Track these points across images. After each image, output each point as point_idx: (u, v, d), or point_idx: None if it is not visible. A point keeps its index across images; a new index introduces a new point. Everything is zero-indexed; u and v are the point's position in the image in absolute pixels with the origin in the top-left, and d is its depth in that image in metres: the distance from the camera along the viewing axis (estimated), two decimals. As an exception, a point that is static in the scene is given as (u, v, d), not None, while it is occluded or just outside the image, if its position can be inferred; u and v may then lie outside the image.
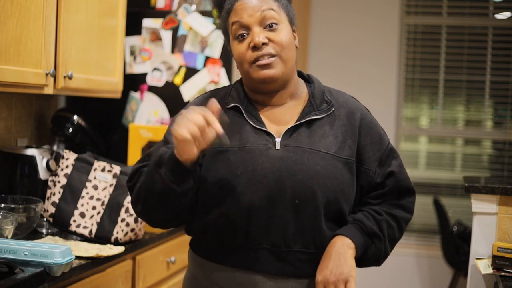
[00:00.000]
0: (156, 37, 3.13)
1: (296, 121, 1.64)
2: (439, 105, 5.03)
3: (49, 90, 2.40)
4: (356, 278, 1.56)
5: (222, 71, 3.07)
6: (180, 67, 3.10)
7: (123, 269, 2.37)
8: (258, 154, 1.58)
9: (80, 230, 2.35)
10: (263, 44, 1.58)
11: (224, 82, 3.06)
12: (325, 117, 1.66)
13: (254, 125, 1.63)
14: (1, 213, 2.23)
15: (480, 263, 2.59)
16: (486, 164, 5.08)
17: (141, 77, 3.16)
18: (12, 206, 2.29)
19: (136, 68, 3.15)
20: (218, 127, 1.44)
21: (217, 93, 1.72)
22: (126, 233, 2.36)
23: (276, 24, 1.61)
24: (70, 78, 2.48)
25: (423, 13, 5.01)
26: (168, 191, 1.53)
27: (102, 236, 2.35)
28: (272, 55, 1.59)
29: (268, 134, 1.62)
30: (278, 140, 1.61)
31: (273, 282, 1.58)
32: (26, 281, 1.75)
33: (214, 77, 3.05)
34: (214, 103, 1.47)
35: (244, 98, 1.68)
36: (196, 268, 1.69)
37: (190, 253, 1.72)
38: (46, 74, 2.34)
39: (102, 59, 2.80)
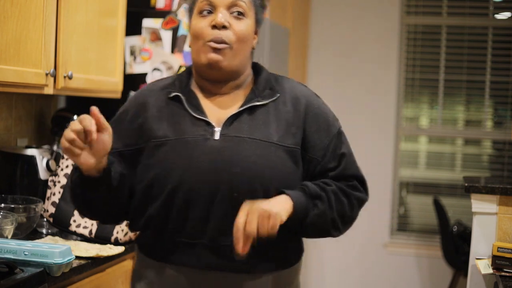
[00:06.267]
0: (156, 37, 3.13)
1: (238, 109, 1.61)
2: (439, 105, 5.03)
3: (49, 90, 2.40)
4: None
5: (222, 71, 3.07)
6: (180, 67, 3.10)
7: (123, 269, 2.37)
8: (195, 146, 1.56)
9: (80, 230, 2.35)
10: (223, 27, 1.58)
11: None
12: (269, 104, 1.62)
13: (194, 115, 1.60)
14: (1, 213, 2.23)
15: (480, 263, 2.59)
16: (486, 164, 5.08)
17: (141, 77, 3.16)
18: (12, 206, 2.29)
19: (136, 68, 3.15)
20: (89, 125, 1.43)
21: (161, 82, 1.71)
22: (126, 233, 2.36)
23: (243, 15, 1.61)
24: (70, 78, 2.48)
25: (423, 13, 5.01)
26: (84, 195, 1.59)
27: (102, 236, 2.35)
28: (226, 43, 1.59)
29: (208, 124, 1.59)
30: (217, 129, 1.58)
31: (209, 277, 1.55)
32: (26, 281, 1.75)
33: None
34: (93, 109, 1.47)
35: (186, 87, 1.65)
36: (140, 266, 1.68)
37: (136, 250, 1.72)
38: (46, 74, 2.34)
39: (102, 59, 2.80)
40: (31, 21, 2.24)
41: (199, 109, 1.61)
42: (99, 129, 1.46)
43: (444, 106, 5.03)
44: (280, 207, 1.49)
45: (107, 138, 1.48)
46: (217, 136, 1.57)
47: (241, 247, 1.44)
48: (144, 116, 1.63)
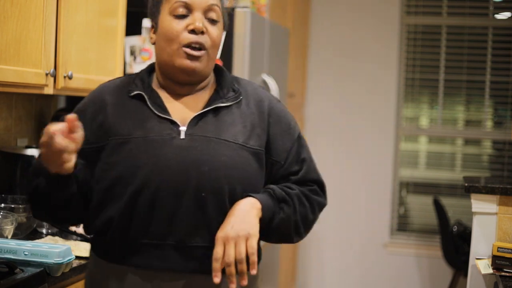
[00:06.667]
0: (156, 37, 3.13)
1: (202, 109, 1.59)
2: (439, 105, 5.03)
3: (49, 90, 2.40)
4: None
5: (222, 71, 3.06)
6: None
7: (123, 269, 2.37)
8: (162, 144, 1.52)
9: (80, 230, 2.35)
10: (201, 32, 1.56)
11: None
12: (233, 106, 1.61)
13: (158, 114, 1.56)
14: (1, 213, 2.23)
15: (480, 263, 2.59)
16: (486, 164, 5.08)
17: (141, 77, 3.16)
18: (12, 206, 2.30)
19: (136, 68, 3.15)
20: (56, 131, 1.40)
21: (119, 81, 1.67)
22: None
23: (217, 21, 1.60)
24: (70, 78, 2.48)
25: (423, 13, 5.01)
26: (49, 198, 1.54)
27: (102, 236, 2.35)
28: (204, 48, 1.57)
29: (173, 123, 1.56)
30: (183, 128, 1.55)
31: (177, 279, 1.52)
32: (26, 281, 1.75)
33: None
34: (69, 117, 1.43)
35: (148, 86, 1.61)
36: (97, 272, 1.61)
37: (91, 255, 1.65)
38: (46, 74, 2.34)
39: (102, 59, 2.80)
40: (31, 21, 2.24)
41: (162, 108, 1.58)
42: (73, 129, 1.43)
43: (444, 106, 5.03)
44: (252, 220, 1.51)
45: (79, 134, 1.44)
46: (183, 135, 1.55)
47: (219, 277, 1.46)
48: (104, 114, 1.59)
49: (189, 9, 1.56)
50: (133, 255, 1.53)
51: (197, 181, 1.51)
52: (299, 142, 1.67)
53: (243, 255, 1.47)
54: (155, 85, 1.64)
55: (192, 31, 1.55)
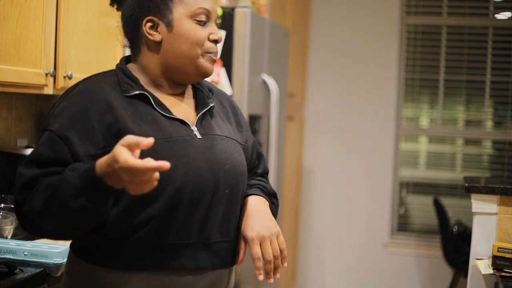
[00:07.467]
0: (156, 37, 3.12)
1: (196, 108, 1.60)
2: (439, 105, 5.03)
3: (49, 90, 2.40)
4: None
5: (222, 71, 3.06)
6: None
7: (123, 269, 2.37)
8: (186, 145, 1.50)
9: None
10: None
11: (224, 82, 3.06)
12: (215, 105, 1.66)
13: (165, 114, 1.53)
14: (1, 213, 2.23)
15: (480, 263, 2.59)
16: (486, 164, 5.08)
17: (141, 77, 3.15)
18: (12, 206, 2.29)
19: (136, 68, 3.15)
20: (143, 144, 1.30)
21: (106, 79, 1.59)
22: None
23: None
24: (70, 78, 2.48)
25: (423, 13, 5.01)
26: (89, 215, 1.41)
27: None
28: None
29: (183, 123, 1.54)
30: (194, 128, 1.55)
31: (201, 276, 1.52)
32: (26, 281, 1.76)
33: (214, 77, 3.05)
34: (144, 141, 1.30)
35: (141, 85, 1.56)
36: (103, 285, 1.50)
37: (88, 267, 1.51)
38: (46, 74, 2.34)
39: (102, 59, 2.80)
40: (31, 21, 2.24)
41: (165, 108, 1.54)
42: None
43: (444, 106, 5.03)
44: (272, 217, 1.63)
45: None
46: (199, 135, 1.55)
47: (263, 274, 1.54)
48: (113, 115, 1.48)
49: (208, 17, 1.58)
50: (163, 258, 1.49)
51: (224, 179, 1.54)
52: (254, 138, 1.78)
53: (279, 251, 1.57)
54: (143, 84, 1.58)
55: (215, 41, 1.59)
